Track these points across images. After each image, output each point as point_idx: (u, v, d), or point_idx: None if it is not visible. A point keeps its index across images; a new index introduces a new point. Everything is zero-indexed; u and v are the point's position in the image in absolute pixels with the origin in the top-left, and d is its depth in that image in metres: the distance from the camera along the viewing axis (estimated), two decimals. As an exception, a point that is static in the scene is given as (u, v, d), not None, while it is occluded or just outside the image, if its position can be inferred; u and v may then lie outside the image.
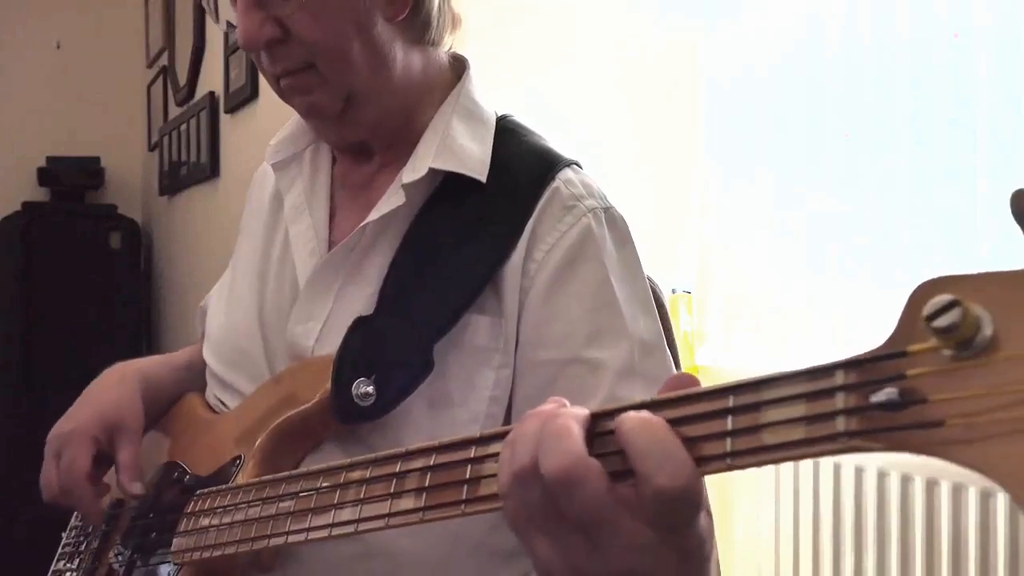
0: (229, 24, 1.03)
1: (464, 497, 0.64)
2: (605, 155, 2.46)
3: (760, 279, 2.46)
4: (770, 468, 2.29)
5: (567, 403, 0.60)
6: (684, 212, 2.66)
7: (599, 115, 2.54)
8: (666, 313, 1.23)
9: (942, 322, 0.45)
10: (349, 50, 0.97)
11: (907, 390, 0.47)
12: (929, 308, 0.46)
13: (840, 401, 0.49)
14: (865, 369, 0.49)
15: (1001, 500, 1.82)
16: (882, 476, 2.03)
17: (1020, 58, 1.88)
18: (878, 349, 0.49)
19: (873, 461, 2.05)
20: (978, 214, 1.90)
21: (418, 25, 1.01)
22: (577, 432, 0.56)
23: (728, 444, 0.53)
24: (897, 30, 2.11)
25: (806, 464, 2.19)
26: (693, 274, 2.63)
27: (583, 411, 0.58)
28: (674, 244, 2.63)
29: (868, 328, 2.11)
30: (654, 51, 2.64)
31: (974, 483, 1.85)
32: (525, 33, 2.47)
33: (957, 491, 1.88)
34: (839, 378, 0.50)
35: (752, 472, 2.31)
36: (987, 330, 0.45)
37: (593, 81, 2.55)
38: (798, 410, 0.51)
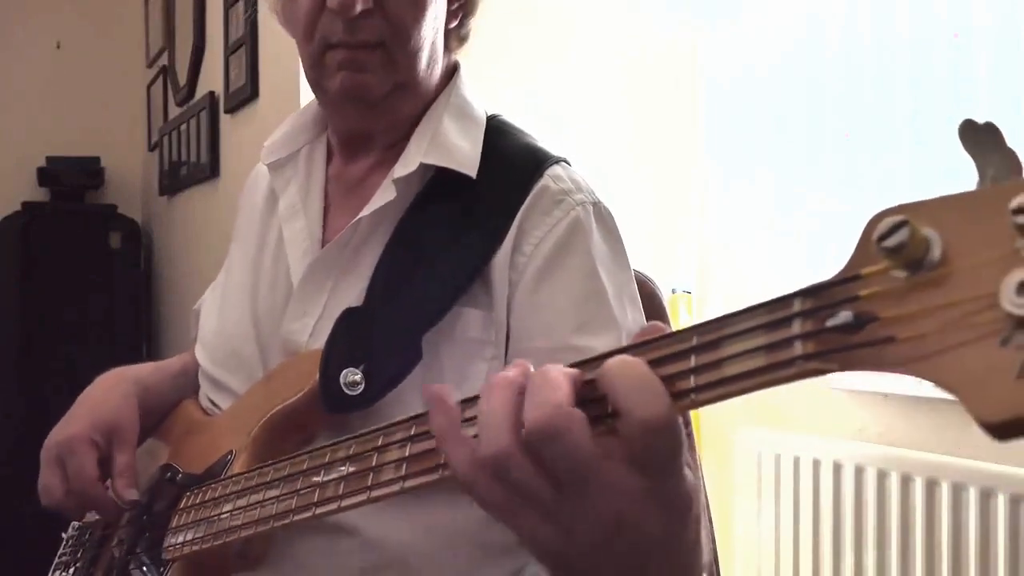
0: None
1: (442, 461, 0.64)
2: (605, 155, 2.46)
3: (760, 279, 2.46)
4: (770, 467, 2.29)
5: (529, 366, 0.60)
6: (684, 212, 2.66)
7: (599, 115, 2.54)
8: (664, 312, 1.23)
9: (891, 242, 0.47)
10: (423, 41, 1.01)
11: (861, 312, 0.48)
12: (879, 230, 0.47)
13: (797, 327, 0.51)
14: (821, 295, 0.50)
15: (1001, 500, 1.82)
16: (882, 476, 2.03)
17: (1020, 58, 1.88)
18: (834, 276, 0.50)
19: (873, 461, 2.05)
20: (978, 214, 1.90)
21: (457, 37, 1.07)
22: (564, 383, 0.56)
23: (692, 380, 0.54)
24: (897, 30, 2.11)
25: (806, 464, 2.19)
26: (693, 274, 2.63)
27: (571, 369, 0.58)
28: (674, 244, 2.63)
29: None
30: (654, 51, 2.64)
31: (974, 483, 1.85)
32: (525, 33, 2.47)
33: (957, 491, 1.88)
34: (796, 306, 0.51)
35: (752, 472, 2.32)
36: (936, 250, 0.46)
37: (593, 81, 2.55)
38: (758, 340, 0.52)
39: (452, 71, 1.10)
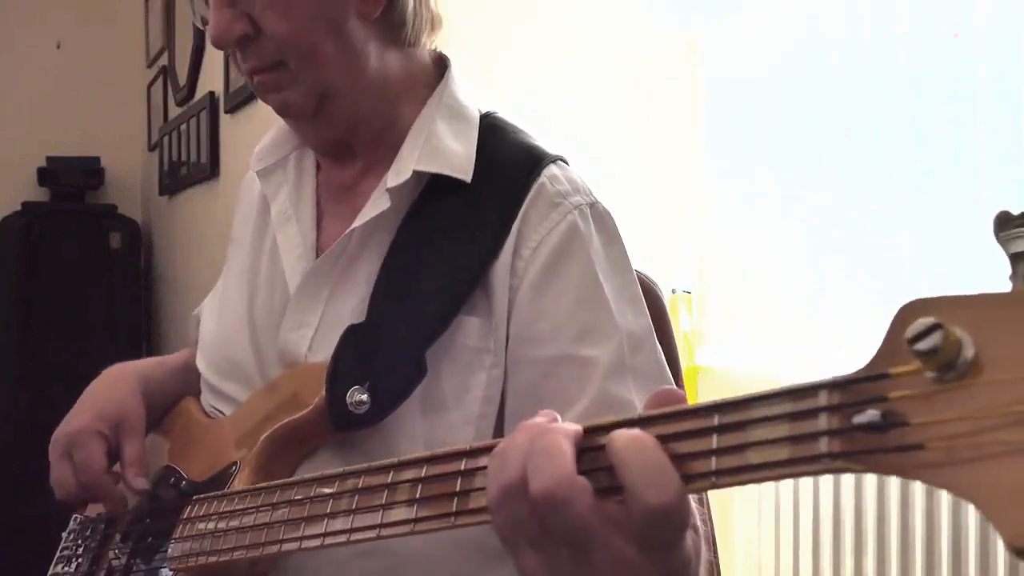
0: (202, 19, 1.02)
1: (454, 510, 0.65)
2: (604, 155, 2.46)
3: (760, 279, 2.45)
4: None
5: (558, 417, 0.61)
6: (684, 212, 2.66)
7: (598, 114, 2.53)
8: (664, 312, 1.23)
9: (924, 345, 0.45)
10: (320, 47, 0.96)
11: (889, 413, 0.47)
12: (911, 331, 0.46)
13: (823, 422, 0.50)
14: (848, 390, 0.49)
15: (1001, 500, 1.82)
16: (882, 481, 2.02)
17: (1020, 58, 1.88)
18: (861, 370, 0.49)
19: (873, 461, 2.05)
20: (978, 214, 1.90)
21: (393, 24, 1.00)
22: (567, 450, 0.57)
23: (713, 463, 0.53)
24: (897, 30, 2.11)
25: (806, 464, 2.19)
26: (693, 274, 2.63)
27: (574, 427, 0.59)
28: (674, 244, 2.62)
29: (868, 328, 2.11)
30: (654, 50, 2.64)
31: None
32: (525, 33, 2.46)
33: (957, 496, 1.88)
34: (822, 399, 0.50)
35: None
36: (968, 353, 0.45)
37: (592, 80, 2.55)
38: (782, 430, 0.51)
39: (441, 70, 1.07)
